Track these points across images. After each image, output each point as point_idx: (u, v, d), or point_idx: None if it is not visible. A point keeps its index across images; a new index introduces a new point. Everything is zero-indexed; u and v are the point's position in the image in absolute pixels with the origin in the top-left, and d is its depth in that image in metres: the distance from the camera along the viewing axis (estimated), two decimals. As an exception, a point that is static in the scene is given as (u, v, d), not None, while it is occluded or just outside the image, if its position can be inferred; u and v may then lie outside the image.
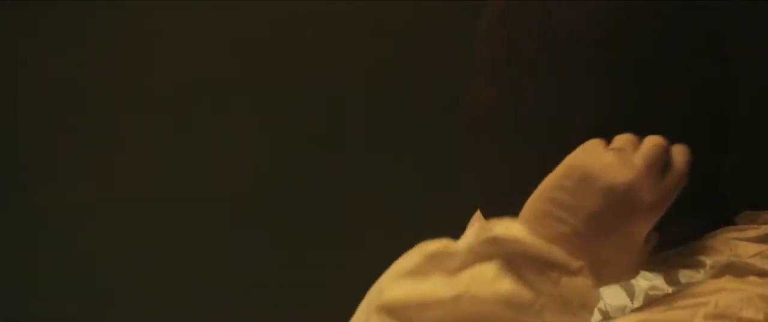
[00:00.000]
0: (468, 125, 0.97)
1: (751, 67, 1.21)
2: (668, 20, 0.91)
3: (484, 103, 0.94)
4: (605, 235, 0.83)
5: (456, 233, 0.92)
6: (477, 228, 0.84)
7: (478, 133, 0.95)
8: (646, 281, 0.94)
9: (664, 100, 0.89)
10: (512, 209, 0.85)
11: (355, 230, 1.61)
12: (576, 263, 0.82)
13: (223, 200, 1.65)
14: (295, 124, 1.63)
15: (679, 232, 0.93)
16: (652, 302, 0.90)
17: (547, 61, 0.91)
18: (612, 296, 0.97)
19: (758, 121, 1.36)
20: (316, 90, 1.62)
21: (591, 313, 0.84)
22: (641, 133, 0.87)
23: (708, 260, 0.91)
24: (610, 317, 0.96)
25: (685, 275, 0.92)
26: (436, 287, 0.81)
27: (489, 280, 0.80)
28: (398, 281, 0.82)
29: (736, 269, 0.89)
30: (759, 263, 0.89)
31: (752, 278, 0.88)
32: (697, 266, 0.91)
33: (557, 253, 0.81)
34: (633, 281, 0.94)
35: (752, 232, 0.92)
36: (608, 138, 0.86)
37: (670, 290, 0.91)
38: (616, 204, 0.83)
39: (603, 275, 0.85)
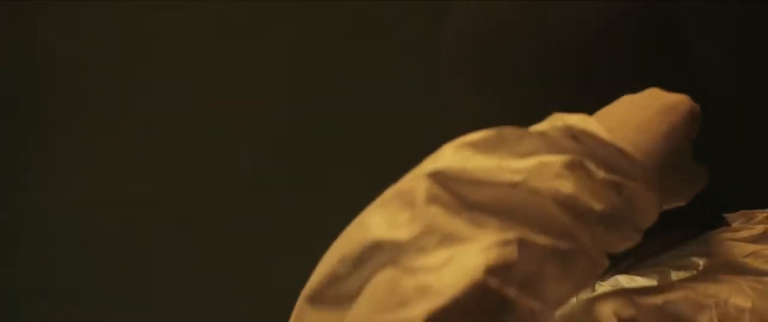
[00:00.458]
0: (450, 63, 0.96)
1: (749, 67, 1.21)
2: (640, 20, 0.91)
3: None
4: (673, 156, 0.80)
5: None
6: (552, 117, 0.77)
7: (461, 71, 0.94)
8: (640, 284, 0.94)
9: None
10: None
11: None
12: (648, 173, 0.77)
13: (223, 200, 1.65)
14: (296, 124, 1.63)
15: (671, 239, 0.92)
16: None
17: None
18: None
19: (753, 122, 1.35)
20: (316, 90, 1.62)
21: (639, 237, 0.80)
22: None
23: (701, 262, 0.90)
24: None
25: (678, 277, 0.91)
26: (496, 167, 0.73)
27: (552, 175, 0.73)
28: (459, 151, 0.74)
29: (731, 269, 0.89)
30: (753, 263, 0.89)
31: (747, 277, 0.87)
32: (690, 267, 0.91)
33: (632, 157, 0.76)
34: (627, 286, 0.94)
35: (746, 232, 0.92)
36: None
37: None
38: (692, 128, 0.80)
39: (663, 198, 0.80)
